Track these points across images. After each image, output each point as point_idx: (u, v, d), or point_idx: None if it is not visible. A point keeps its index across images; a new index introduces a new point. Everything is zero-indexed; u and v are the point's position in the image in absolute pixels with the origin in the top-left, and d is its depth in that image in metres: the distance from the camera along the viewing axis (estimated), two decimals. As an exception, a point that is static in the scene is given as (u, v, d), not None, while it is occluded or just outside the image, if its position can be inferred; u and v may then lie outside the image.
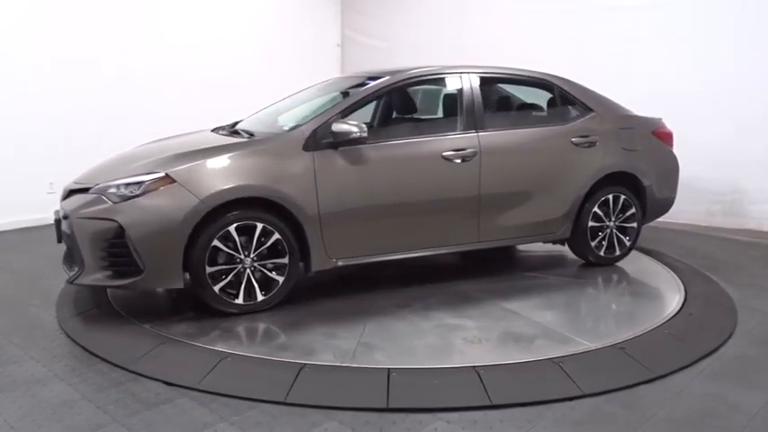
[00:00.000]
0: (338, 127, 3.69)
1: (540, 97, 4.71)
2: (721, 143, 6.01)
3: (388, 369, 2.90)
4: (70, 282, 3.59)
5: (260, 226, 3.56)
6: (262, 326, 3.54)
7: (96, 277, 3.47)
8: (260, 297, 3.64)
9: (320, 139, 3.72)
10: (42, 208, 6.39)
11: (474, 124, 4.16)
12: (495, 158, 4.14)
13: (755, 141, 5.94)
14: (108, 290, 4.10)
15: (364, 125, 3.76)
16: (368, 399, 2.67)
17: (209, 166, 3.56)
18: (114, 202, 3.44)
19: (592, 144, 4.46)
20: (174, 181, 3.45)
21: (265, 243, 3.59)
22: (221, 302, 3.57)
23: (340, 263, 3.84)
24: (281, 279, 3.67)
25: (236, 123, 4.54)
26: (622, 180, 4.59)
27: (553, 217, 4.40)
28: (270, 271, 3.65)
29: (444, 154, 4.00)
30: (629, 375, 2.91)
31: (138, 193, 3.42)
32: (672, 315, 3.68)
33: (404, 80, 4.21)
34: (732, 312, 3.81)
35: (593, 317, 3.82)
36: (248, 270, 3.60)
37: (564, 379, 2.85)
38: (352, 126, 3.68)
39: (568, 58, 6.73)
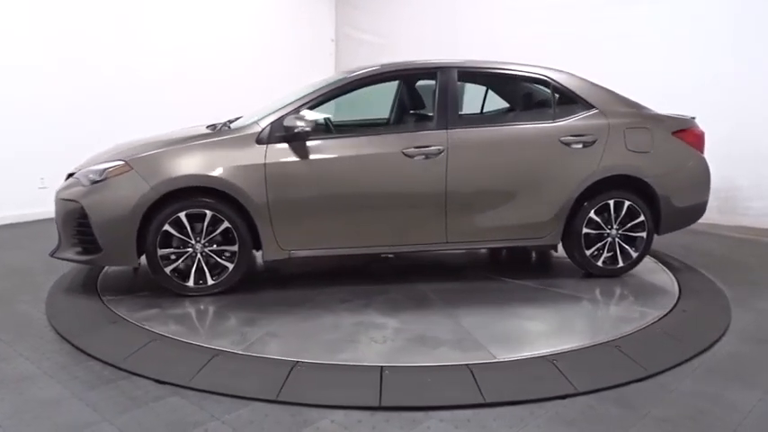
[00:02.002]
0: (287, 121, 3.82)
1: (531, 93, 4.56)
2: (717, 140, 5.98)
3: (381, 367, 2.88)
4: (51, 255, 4.00)
5: (209, 214, 3.79)
6: (240, 316, 3.52)
7: (68, 253, 3.93)
8: (210, 281, 3.88)
9: (274, 133, 3.85)
10: (34, 203, 6.39)
11: (445, 121, 4.02)
12: (465, 157, 3.97)
13: (751, 138, 5.94)
14: (99, 286, 4.11)
15: (313, 120, 3.83)
16: (360, 397, 2.65)
17: (164, 156, 3.82)
18: (84, 186, 3.81)
19: (588, 144, 4.11)
20: (131, 169, 3.76)
21: (215, 231, 3.81)
22: (173, 284, 3.86)
23: (295, 254, 3.96)
24: (230, 266, 3.87)
25: (237, 119, 4.51)
26: (628, 185, 4.20)
27: (536, 221, 4.12)
28: (219, 257, 3.86)
29: (405, 150, 3.91)
30: (622, 373, 2.89)
31: (100, 178, 3.78)
32: (666, 312, 3.68)
33: (370, 76, 4.15)
34: (726, 310, 3.80)
35: (552, 323, 3.57)
36: (199, 255, 3.84)
37: (557, 377, 2.83)
38: (298, 121, 3.78)
39: (566, 53, 6.71)
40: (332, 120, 4.43)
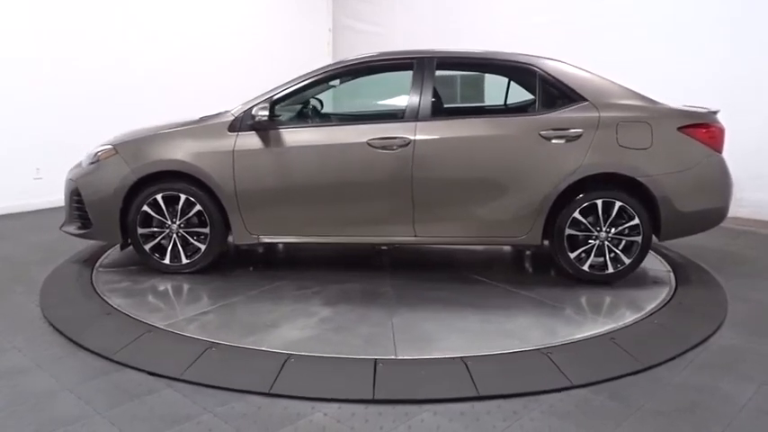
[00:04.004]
0: (254, 111, 3.92)
1: (515, 83, 4.49)
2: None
3: (375, 360, 2.86)
4: (59, 228, 4.39)
5: (183, 197, 4.04)
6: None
7: (71, 227, 4.32)
8: (185, 260, 4.14)
9: (245, 121, 3.98)
10: (30, 194, 6.37)
11: (415, 112, 3.94)
12: (433, 149, 3.86)
13: (748, 129, 5.91)
14: (93, 278, 4.10)
15: (267, 110, 3.88)
16: (354, 390, 2.63)
17: (144, 141, 4.13)
18: (82, 167, 4.24)
19: (572, 138, 3.81)
20: (116, 153, 4.10)
21: (188, 213, 4.06)
22: (151, 260, 4.16)
23: (263, 239, 4.10)
24: (203, 247, 4.11)
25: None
26: (621, 183, 3.86)
27: (512, 219, 3.90)
28: (192, 237, 4.12)
29: (370, 141, 3.88)
30: (617, 366, 2.88)
31: (93, 160, 4.17)
32: (662, 304, 3.66)
33: (345, 67, 4.19)
34: (722, 302, 3.79)
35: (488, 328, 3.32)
36: (174, 235, 4.11)
37: (552, 370, 2.82)
38: (261, 110, 3.89)
39: (571, 43, 6.68)
40: (319, 109, 4.44)
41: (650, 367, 2.90)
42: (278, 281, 4.09)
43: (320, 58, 9.19)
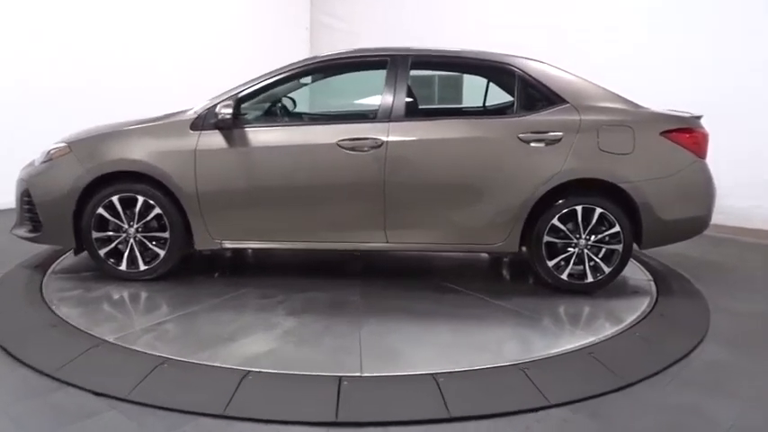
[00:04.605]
0: (218, 108, 3.69)
1: (493, 84, 4.32)
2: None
3: (339, 377, 2.66)
4: (10, 231, 4.11)
5: (141, 199, 3.78)
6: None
7: (21, 230, 4.04)
8: (142, 266, 3.88)
9: (209, 119, 3.75)
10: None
11: (388, 112, 3.75)
12: (406, 151, 3.67)
13: (728, 136, 5.82)
14: (43, 285, 3.85)
15: (233, 108, 3.67)
16: (315, 411, 2.43)
17: (100, 140, 3.89)
18: (34, 167, 3.98)
19: (552, 142, 3.66)
20: (70, 151, 3.85)
21: (147, 216, 3.81)
22: (106, 267, 3.90)
23: (227, 244, 3.87)
24: (162, 252, 3.85)
25: None
26: (602, 189, 3.71)
27: (487, 225, 3.73)
28: (151, 242, 3.86)
29: (340, 142, 3.68)
30: (597, 383, 2.72)
31: (46, 160, 3.91)
32: (643, 316, 3.52)
33: (315, 64, 4.01)
34: (704, 313, 3.66)
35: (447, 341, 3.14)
36: (131, 240, 3.85)
37: (528, 387, 2.65)
38: (225, 108, 3.66)
39: (550, 42, 6.55)
40: (291, 108, 4.23)
41: (631, 384, 2.74)
42: (243, 288, 3.88)
43: (297, 57, 8.97)
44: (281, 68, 3.91)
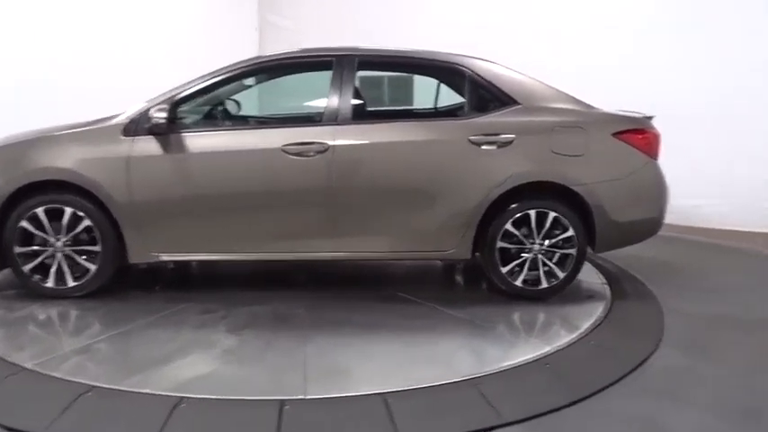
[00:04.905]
0: (152, 112, 3.45)
1: (443, 85, 4.20)
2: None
3: (281, 401, 2.47)
4: None
5: (68, 211, 3.49)
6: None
7: None
8: (71, 283, 3.59)
9: (142, 124, 3.50)
10: None
11: (335, 115, 3.58)
12: (354, 155, 3.51)
13: (678, 133, 5.86)
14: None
15: (168, 112, 3.44)
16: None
17: (26, 147, 3.60)
18: None
19: (503, 144, 3.54)
20: None
21: (75, 229, 3.51)
22: (31, 284, 3.60)
23: (164, 257, 3.63)
24: (93, 267, 3.56)
25: None
26: (555, 193, 3.61)
27: (440, 231, 3.58)
28: (80, 257, 3.57)
29: (284, 147, 3.48)
30: (554, 397, 2.60)
31: None
32: (598, 322, 3.44)
33: (257, 65, 3.80)
34: (658, 316, 3.61)
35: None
36: (59, 255, 3.54)
37: (482, 404, 2.51)
38: (159, 112, 3.43)
39: (502, 46, 6.45)
40: (234, 111, 4.01)
41: (588, 396, 2.64)
42: (183, 303, 3.63)
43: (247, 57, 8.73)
44: (220, 69, 3.69)
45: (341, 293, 3.90)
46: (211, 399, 2.50)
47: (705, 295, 4.07)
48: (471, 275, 4.42)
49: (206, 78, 3.68)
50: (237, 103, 4.52)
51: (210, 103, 4.11)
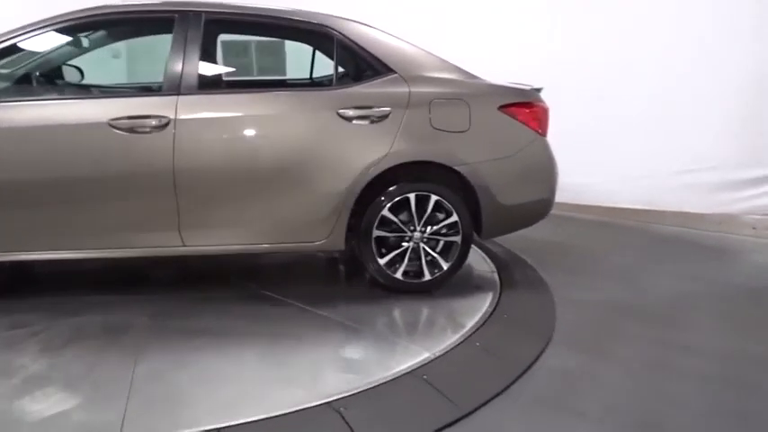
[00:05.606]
0: None
1: (307, 49, 3.71)
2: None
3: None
4: None
5: None
6: None
7: None
8: None
9: None
10: None
11: (177, 83, 2.97)
12: (201, 132, 2.95)
13: (568, 112, 5.67)
14: None
15: None
16: None
17: None
18: None
19: (378, 119, 3.10)
20: None
21: None
22: None
23: None
24: None
25: None
26: (437, 173, 3.21)
27: (305, 219, 3.11)
28: None
29: (112, 121, 2.87)
30: (431, 417, 2.20)
31: None
32: (485, 318, 3.08)
33: (69, 21, 3.02)
34: (549, 307, 3.32)
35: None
36: None
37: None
38: None
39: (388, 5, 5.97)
40: (56, 78, 3.30)
41: (472, 411, 2.27)
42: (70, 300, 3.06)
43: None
44: (25, 26, 2.95)
45: (196, 293, 3.34)
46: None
47: (598, 280, 3.86)
48: (349, 269, 3.96)
49: (9, 36, 2.94)
50: (79, 69, 3.77)
51: (24, 68, 3.33)
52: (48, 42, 3.17)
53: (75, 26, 3.09)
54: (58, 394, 2.27)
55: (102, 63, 4.84)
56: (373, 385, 2.39)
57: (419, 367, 2.54)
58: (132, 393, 2.27)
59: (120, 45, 6.03)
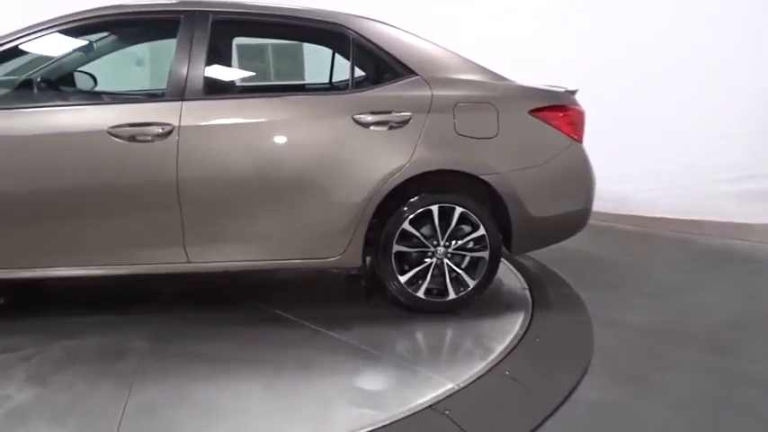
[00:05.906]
0: None
1: (321, 51, 3.49)
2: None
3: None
4: None
5: None
6: None
7: None
8: None
9: None
10: None
11: (181, 88, 2.77)
12: (207, 140, 2.76)
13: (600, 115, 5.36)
14: None
15: None
16: None
17: None
18: None
19: (396, 125, 2.85)
20: None
21: None
22: None
23: None
24: None
25: None
26: (462, 183, 2.96)
27: (321, 234, 2.89)
28: None
29: (112, 129, 2.68)
30: (454, 462, 1.94)
31: None
32: (515, 343, 2.79)
33: (73, 22, 2.84)
34: (587, 330, 3.01)
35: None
36: None
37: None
38: None
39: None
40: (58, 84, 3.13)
41: (500, 455, 1.99)
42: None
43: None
44: (20, 31, 2.78)
45: (200, 314, 3.12)
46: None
47: (641, 299, 3.52)
48: (373, 285, 3.70)
49: (7, 39, 2.78)
50: (93, 76, 3.60)
51: (25, 75, 3.16)
52: (50, 46, 2.99)
53: (80, 28, 2.90)
54: (43, 428, 2.07)
55: (125, 70, 4.69)
56: (389, 422, 2.13)
57: (441, 400, 2.27)
58: (121, 431, 2.05)
59: (144, 52, 5.90)
